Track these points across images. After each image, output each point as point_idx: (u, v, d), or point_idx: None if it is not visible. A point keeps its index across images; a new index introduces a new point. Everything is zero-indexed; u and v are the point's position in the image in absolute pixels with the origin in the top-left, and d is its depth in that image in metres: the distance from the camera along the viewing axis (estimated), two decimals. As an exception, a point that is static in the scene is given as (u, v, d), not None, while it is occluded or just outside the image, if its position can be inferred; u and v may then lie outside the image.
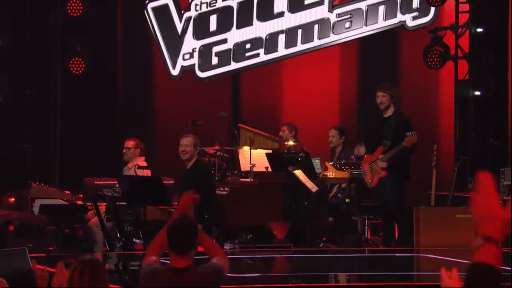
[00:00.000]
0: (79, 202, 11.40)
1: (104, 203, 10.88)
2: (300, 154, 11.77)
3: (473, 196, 2.84)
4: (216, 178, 11.69)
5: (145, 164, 11.47)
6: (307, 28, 14.01)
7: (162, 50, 14.12)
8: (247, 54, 14.11)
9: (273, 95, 15.19)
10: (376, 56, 14.90)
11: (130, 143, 11.73)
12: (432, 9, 13.75)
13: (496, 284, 2.65)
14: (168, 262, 5.76)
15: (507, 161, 13.78)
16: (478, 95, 14.87)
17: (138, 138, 11.96)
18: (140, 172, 11.12)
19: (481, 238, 2.74)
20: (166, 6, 14.15)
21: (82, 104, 14.32)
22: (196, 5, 14.13)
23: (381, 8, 13.87)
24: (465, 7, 14.58)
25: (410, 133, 11.02)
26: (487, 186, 2.80)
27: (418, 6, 13.81)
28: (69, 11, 13.89)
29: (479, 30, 14.90)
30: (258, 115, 14.78)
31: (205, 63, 14.11)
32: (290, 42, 14.04)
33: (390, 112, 11.41)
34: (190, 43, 14.11)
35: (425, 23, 13.89)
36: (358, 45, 14.75)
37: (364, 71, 14.92)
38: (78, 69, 13.84)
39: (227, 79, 14.88)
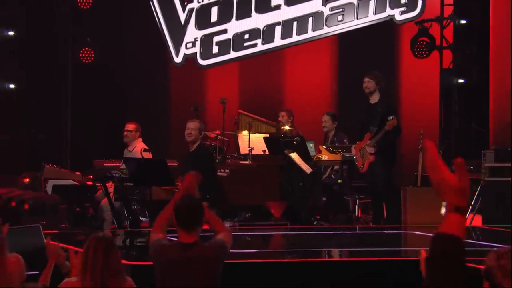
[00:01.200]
0: (89, 183, 11.41)
1: (113, 184, 10.89)
2: (296, 138, 11.78)
3: (427, 168, 2.77)
4: (217, 161, 11.69)
5: (145, 146, 11.46)
6: (302, 21, 13.97)
7: (166, 39, 14.09)
8: (245, 44, 14.08)
9: (271, 83, 15.17)
10: (366, 47, 14.88)
11: (131, 126, 11.72)
12: (419, 3, 13.70)
13: (460, 254, 2.59)
14: (174, 238, 5.79)
15: (488, 144, 13.79)
16: (461, 83, 14.87)
17: (144, 123, 11.95)
18: (146, 155, 11.13)
19: (447, 206, 2.69)
20: (170, -2, 14.16)
21: (92, 91, 14.31)
22: (198, -3, 14.13)
23: (372, 3, 13.82)
24: (449, 0, 14.57)
25: (391, 117, 11.02)
26: (432, 154, 2.73)
27: (406, 1, 13.76)
28: (79, 3, 13.90)
29: (463, 22, 14.89)
30: (257, 101, 14.76)
31: (206, 52, 14.07)
32: (286, 33, 14.01)
33: (376, 99, 11.40)
34: (192, 33, 14.08)
35: (413, 17, 13.84)
36: (350, 37, 14.70)
37: (355, 62, 14.88)
38: (88, 58, 13.88)
39: (230, 68, 14.85)
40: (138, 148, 11.42)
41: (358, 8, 13.83)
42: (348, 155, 11.75)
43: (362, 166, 11.32)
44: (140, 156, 11.05)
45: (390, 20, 13.86)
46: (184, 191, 5.88)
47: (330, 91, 15.21)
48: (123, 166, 11.16)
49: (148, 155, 11.18)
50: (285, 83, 15.25)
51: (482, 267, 3.42)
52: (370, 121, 11.30)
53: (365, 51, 14.84)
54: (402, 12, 13.80)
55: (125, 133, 11.70)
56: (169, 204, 5.78)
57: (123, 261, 5.98)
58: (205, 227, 6.01)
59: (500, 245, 3.70)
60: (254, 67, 15.02)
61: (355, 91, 11.55)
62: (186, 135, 11.08)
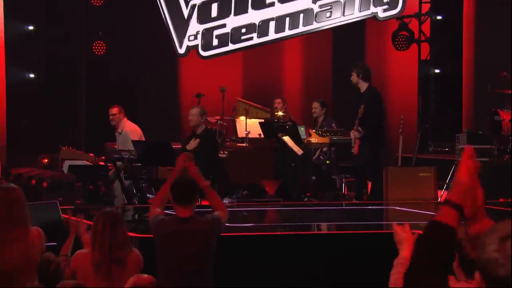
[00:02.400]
0: (101, 163, 11.37)
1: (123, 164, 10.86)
2: (288, 123, 11.76)
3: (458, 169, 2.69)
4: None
5: (132, 124, 11.37)
6: (293, 17, 13.91)
7: (171, 32, 14.01)
8: (242, 37, 14.02)
9: (271, 73, 15.13)
10: (353, 41, 14.85)
11: (114, 110, 11.56)
12: (400, 2, 13.63)
13: (450, 243, 2.51)
14: (172, 213, 5.81)
15: (461, 128, 13.78)
16: (437, 73, 14.87)
17: (150, 108, 11.91)
18: (133, 136, 11.10)
19: (444, 201, 2.62)
20: (175, -5, 14.09)
21: (104, 80, 14.27)
22: (200, -5, 14.07)
23: (357, 1, 13.74)
24: (427, -2, 14.54)
25: (360, 106, 10.94)
26: (468, 160, 2.64)
27: (388, 0, 13.70)
28: (92, 1, 13.85)
29: (439, 17, 14.87)
30: (258, 89, 14.74)
31: (207, 44, 14.01)
32: (279, 28, 13.95)
33: (364, 87, 11.32)
34: (194, 27, 14.00)
35: (394, 14, 13.76)
36: (342, 32, 14.67)
37: (343, 54, 14.84)
38: (100, 50, 13.84)
39: (233, 59, 14.78)
40: (126, 128, 11.35)
41: (344, 5, 13.76)
42: (335, 138, 11.72)
43: (353, 149, 11.27)
44: (135, 135, 10.99)
45: (374, 17, 13.79)
46: (179, 171, 5.88)
47: (324, 81, 15.15)
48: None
49: (134, 136, 11.14)
50: (283, 73, 15.20)
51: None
52: (359, 108, 11.22)
53: (355, 44, 14.79)
54: (385, 10, 13.73)
55: (110, 117, 11.52)
56: (166, 183, 5.81)
57: (131, 234, 5.97)
58: (205, 203, 6.01)
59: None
60: (255, 59, 14.96)
61: (347, 81, 11.49)
62: (189, 121, 11.14)
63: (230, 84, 13.45)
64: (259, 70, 15.13)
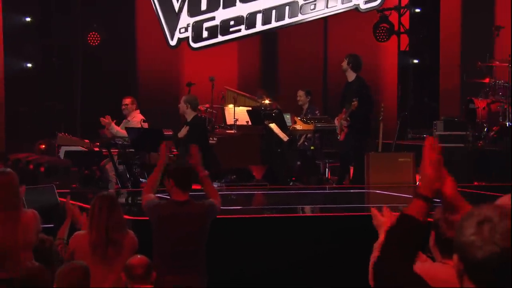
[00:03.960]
0: (96, 149, 11.32)
1: (117, 150, 10.82)
2: (274, 111, 11.75)
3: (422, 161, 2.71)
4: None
5: (142, 116, 11.36)
6: (279, 9, 13.88)
7: (162, 25, 13.94)
8: (231, 29, 13.98)
9: (266, 63, 15.10)
10: (338, 32, 14.85)
11: (127, 101, 11.57)
12: (381, -6, 13.63)
13: (415, 234, 2.53)
14: (165, 197, 5.85)
15: (438, 116, 13.81)
16: (416, 63, 14.89)
17: (143, 97, 11.87)
18: (145, 125, 11.07)
19: (415, 194, 2.65)
20: (166, -11, 14.01)
21: (98, 70, 14.22)
22: (190, -12, 13.99)
23: (340, -7, 13.75)
24: (406, -9, 14.53)
25: (354, 99, 10.90)
26: (427, 149, 2.67)
27: (369, -8, 13.68)
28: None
29: (417, 10, 14.89)
30: (255, 79, 14.74)
31: (197, 36, 13.97)
32: (266, 20, 13.92)
33: (352, 77, 11.27)
34: (185, 20, 13.94)
35: (375, 6, 13.76)
36: (331, 23, 14.67)
37: (335, 45, 14.85)
38: (95, 41, 13.78)
39: (229, 50, 14.73)
40: (136, 118, 11.32)
41: (328, -2, 13.77)
42: (320, 125, 11.72)
43: (339, 136, 11.27)
44: (140, 126, 10.99)
45: (355, 9, 13.77)
46: (165, 160, 5.94)
47: (317, 71, 15.12)
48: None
49: (145, 125, 11.12)
50: (279, 64, 15.18)
51: (430, 219, 3.40)
52: (346, 97, 11.19)
53: (345, 35, 14.77)
54: (366, 2, 13.73)
55: (123, 106, 11.56)
56: (155, 171, 5.87)
57: (126, 217, 5.96)
58: (197, 187, 6.04)
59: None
60: (251, 50, 14.92)
61: (339, 70, 11.49)
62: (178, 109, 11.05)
63: (224, 74, 13.39)
64: (255, 59, 15.07)
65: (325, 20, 14.41)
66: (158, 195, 6.03)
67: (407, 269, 2.47)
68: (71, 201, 5.92)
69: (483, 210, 2.16)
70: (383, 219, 3.43)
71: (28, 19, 13.86)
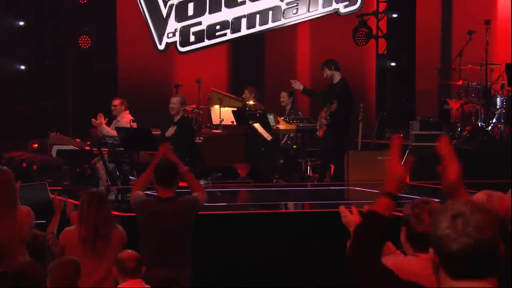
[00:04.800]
0: (87, 148, 11.28)
1: (107, 149, 10.79)
2: (258, 111, 11.77)
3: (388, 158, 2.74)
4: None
5: (131, 117, 11.33)
6: (263, 14, 13.90)
7: (151, 30, 13.92)
8: (217, 34, 13.98)
9: (253, 66, 15.07)
10: (321, 35, 14.86)
11: (116, 102, 11.53)
12: (359, -1, 13.68)
13: (381, 229, 2.58)
14: (154, 194, 5.82)
15: (414, 116, 13.86)
16: (393, 66, 14.94)
17: (132, 98, 11.84)
18: (134, 125, 11.04)
19: (381, 191, 2.67)
20: (154, -4, 13.99)
21: (89, 72, 14.17)
22: (177, -5, 13.99)
23: (320, -2, 13.81)
24: (384, -3, 14.59)
25: (334, 101, 10.94)
26: (395, 148, 2.71)
27: (348, -4, 13.74)
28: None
29: (395, 15, 14.93)
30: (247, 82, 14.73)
31: (184, 40, 13.96)
32: (250, 24, 13.94)
33: (337, 78, 11.34)
34: (172, 25, 13.92)
35: (354, 9, 13.82)
36: (310, 26, 14.66)
37: (315, 48, 14.86)
38: (86, 44, 13.72)
39: (219, 52, 14.71)
40: (126, 119, 11.28)
41: (309, 2, 13.83)
42: (302, 125, 11.74)
43: (318, 132, 11.31)
44: (129, 126, 10.95)
45: (336, 12, 13.82)
46: (158, 159, 5.92)
47: (304, 72, 15.12)
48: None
49: (134, 125, 11.10)
50: (265, 66, 15.17)
51: (400, 214, 3.42)
52: (328, 97, 11.24)
53: (329, 39, 14.79)
54: (346, 6, 13.81)
55: (112, 107, 11.51)
56: (148, 170, 5.84)
57: (115, 213, 5.95)
58: (183, 184, 6.02)
59: (418, 197, 3.70)
60: (240, 53, 14.90)
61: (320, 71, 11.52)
62: (170, 109, 10.94)
63: (212, 76, 13.35)
64: (243, 62, 15.05)
65: (310, 23, 14.42)
66: (148, 192, 6.02)
67: (375, 263, 2.50)
68: (68, 199, 5.91)
69: (456, 205, 2.20)
70: (353, 218, 3.45)
71: (21, 23, 13.82)
